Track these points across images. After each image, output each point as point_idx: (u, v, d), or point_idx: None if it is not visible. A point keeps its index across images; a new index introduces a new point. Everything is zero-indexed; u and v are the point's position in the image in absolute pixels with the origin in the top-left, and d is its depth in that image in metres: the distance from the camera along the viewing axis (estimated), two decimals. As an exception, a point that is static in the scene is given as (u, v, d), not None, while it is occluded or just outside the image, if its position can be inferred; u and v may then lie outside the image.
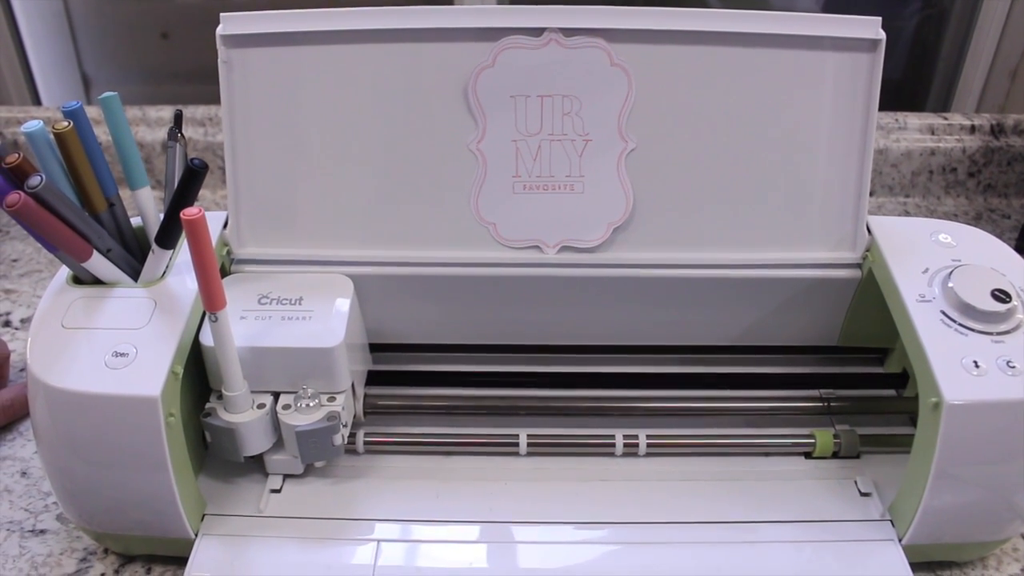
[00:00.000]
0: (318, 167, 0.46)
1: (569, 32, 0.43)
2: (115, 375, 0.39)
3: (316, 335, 0.42)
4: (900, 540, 0.42)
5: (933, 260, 0.45)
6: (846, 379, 0.51)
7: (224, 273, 0.46)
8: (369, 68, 0.44)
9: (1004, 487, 0.41)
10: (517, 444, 0.47)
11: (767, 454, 0.48)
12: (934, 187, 0.78)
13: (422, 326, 0.50)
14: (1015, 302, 0.42)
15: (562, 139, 0.45)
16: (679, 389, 0.50)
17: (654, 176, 0.45)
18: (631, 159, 0.45)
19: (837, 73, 0.44)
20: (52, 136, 0.41)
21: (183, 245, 0.45)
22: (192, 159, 0.40)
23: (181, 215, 0.36)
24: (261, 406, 0.43)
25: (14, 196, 0.37)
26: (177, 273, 0.44)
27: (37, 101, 0.96)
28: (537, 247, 0.46)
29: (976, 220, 0.76)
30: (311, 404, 0.43)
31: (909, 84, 0.96)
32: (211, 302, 0.39)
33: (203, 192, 0.41)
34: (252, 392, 0.43)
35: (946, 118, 0.78)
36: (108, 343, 0.40)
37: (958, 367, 0.40)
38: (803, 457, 0.48)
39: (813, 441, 0.47)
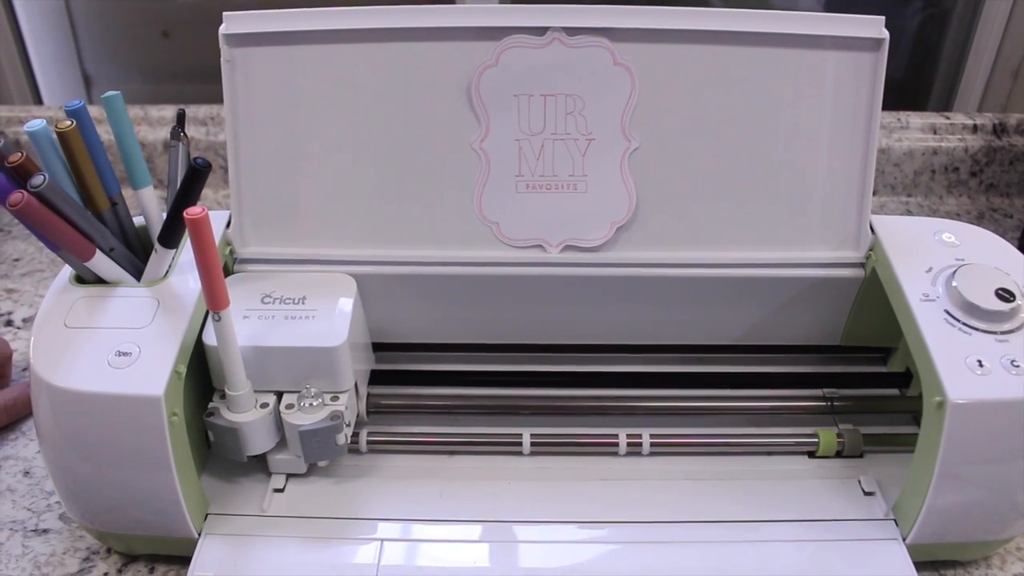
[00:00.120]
0: (321, 166, 0.46)
1: (572, 31, 0.43)
2: (118, 374, 0.39)
3: (319, 334, 0.42)
4: (904, 539, 0.42)
5: (937, 259, 0.45)
6: (849, 378, 0.51)
7: (227, 272, 0.46)
8: (372, 67, 0.44)
9: (1008, 486, 0.41)
10: (520, 444, 0.47)
11: (770, 453, 0.48)
12: (936, 186, 0.78)
13: (425, 325, 0.50)
14: (1019, 301, 0.42)
15: (565, 138, 0.45)
16: (683, 388, 0.50)
17: (657, 175, 0.45)
18: (634, 158, 0.45)
19: (841, 72, 0.44)
20: (55, 135, 0.41)
21: (186, 244, 0.45)
22: (195, 158, 0.40)
23: (184, 214, 0.36)
24: (264, 405, 0.43)
25: (17, 195, 0.37)
26: (180, 272, 0.44)
27: (38, 100, 0.96)
28: (540, 246, 0.46)
29: (978, 219, 0.76)
30: (314, 403, 0.43)
31: (911, 83, 0.96)
32: (214, 301, 0.39)
33: (205, 191, 0.41)
34: (255, 391, 0.42)
35: (948, 117, 0.78)
36: (111, 342, 0.40)
37: (962, 366, 0.40)
38: (807, 456, 0.48)
39: (816, 440, 0.47)
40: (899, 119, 0.77)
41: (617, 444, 0.47)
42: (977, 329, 0.41)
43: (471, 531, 0.43)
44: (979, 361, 0.40)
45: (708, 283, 0.47)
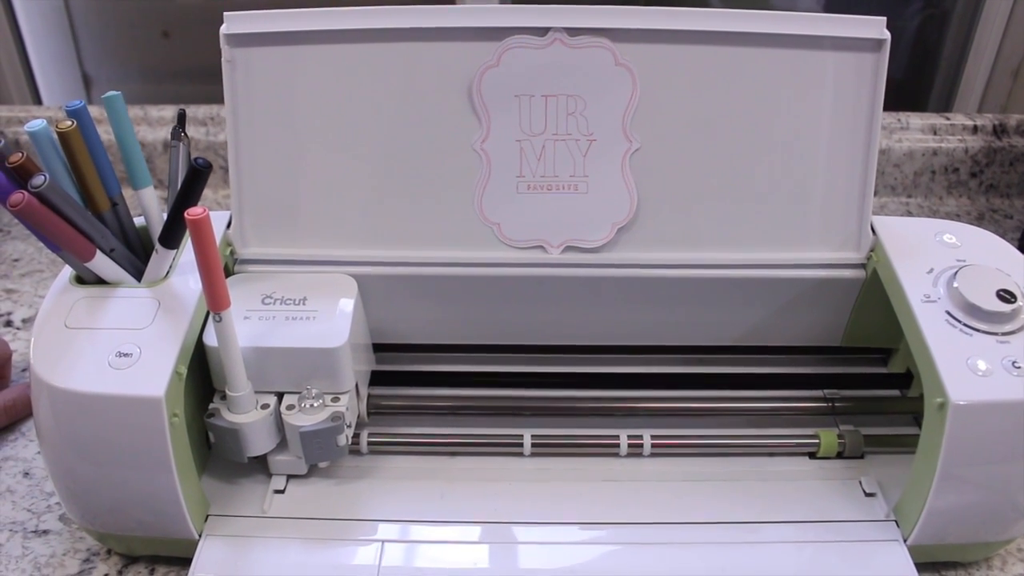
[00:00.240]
0: (322, 167, 0.45)
1: (574, 32, 0.43)
2: (119, 375, 0.39)
3: (320, 335, 0.42)
4: (905, 540, 0.42)
5: (938, 260, 0.45)
6: (850, 379, 0.51)
7: (228, 273, 0.46)
8: (373, 68, 0.44)
9: (1009, 487, 0.41)
10: (521, 445, 0.47)
11: (771, 454, 0.48)
12: (936, 187, 0.78)
13: (426, 326, 0.50)
14: (1020, 302, 0.42)
15: (566, 139, 0.45)
16: (683, 389, 0.50)
17: (659, 176, 0.45)
18: (635, 159, 0.45)
19: (842, 73, 0.44)
20: (56, 135, 0.41)
21: (187, 245, 0.45)
22: (196, 158, 0.40)
23: (185, 215, 0.36)
24: (265, 406, 0.42)
25: (18, 196, 0.37)
26: (181, 273, 0.44)
27: (38, 100, 0.96)
28: (541, 247, 0.46)
29: (978, 220, 0.76)
30: (315, 404, 0.43)
31: (911, 84, 0.96)
32: (215, 302, 0.39)
33: (205, 192, 0.41)
34: (256, 392, 0.42)
35: (948, 118, 0.78)
36: (112, 343, 0.40)
37: (963, 367, 0.40)
38: (807, 457, 0.48)
39: (817, 441, 0.47)
40: (899, 120, 0.77)
41: (618, 445, 0.47)
42: (978, 330, 0.41)
43: (472, 532, 0.43)
44: (980, 362, 0.40)
45: (709, 284, 0.47)
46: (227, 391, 0.42)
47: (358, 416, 0.46)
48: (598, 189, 0.45)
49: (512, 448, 0.47)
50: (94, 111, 0.43)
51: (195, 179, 0.40)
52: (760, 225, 0.46)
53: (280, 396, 0.43)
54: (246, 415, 0.42)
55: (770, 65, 0.44)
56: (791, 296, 0.48)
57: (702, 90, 0.44)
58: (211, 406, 0.43)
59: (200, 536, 0.42)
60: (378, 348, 0.50)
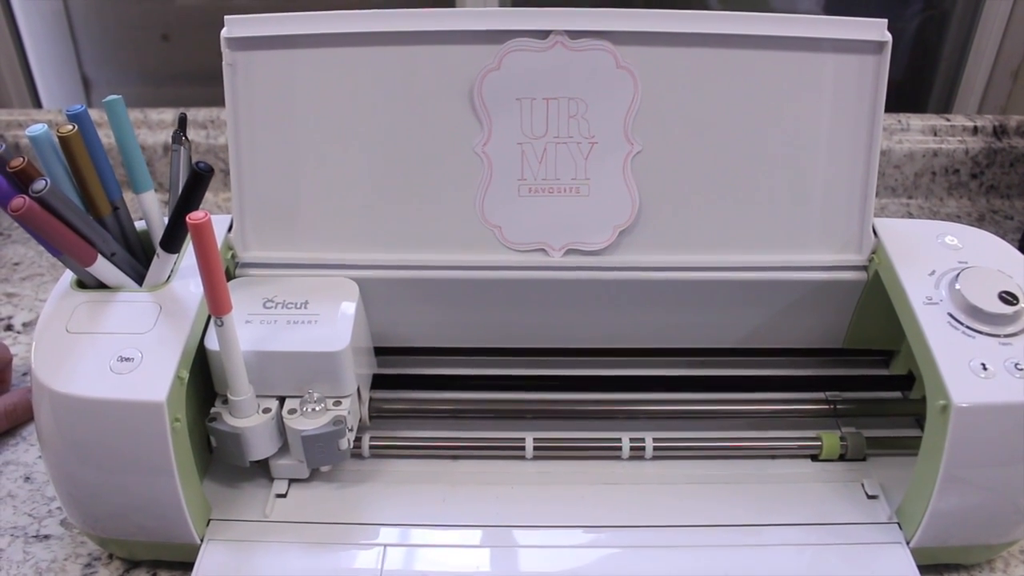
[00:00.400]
0: (323, 170, 0.45)
1: (575, 35, 0.43)
2: (120, 380, 0.39)
3: (322, 339, 0.42)
4: (908, 543, 0.42)
5: (939, 262, 0.45)
6: (852, 381, 0.51)
7: (229, 277, 0.46)
8: (375, 71, 0.44)
9: (1012, 490, 0.41)
10: (523, 448, 0.47)
11: (773, 457, 0.48)
12: (937, 188, 0.78)
13: (428, 329, 0.50)
14: (1022, 304, 0.42)
15: (568, 142, 0.45)
16: (685, 392, 0.50)
17: (660, 179, 0.45)
18: (637, 162, 0.45)
19: (843, 75, 0.44)
20: (56, 140, 0.40)
21: (188, 249, 0.44)
22: (197, 162, 0.40)
23: (187, 219, 0.36)
24: (267, 411, 0.42)
25: (19, 200, 0.37)
26: (182, 277, 0.44)
27: (37, 103, 0.96)
28: (543, 250, 0.46)
29: (979, 221, 0.76)
30: (317, 408, 0.42)
31: (911, 85, 0.96)
32: (216, 306, 0.38)
33: (205, 195, 0.41)
34: (258, 396, 0.42)
35: (948, 119, 0.78)
36: (113, 348, 0.40)
37: (966, 370, 0.40)
38: (810, 459, 0.48)
39: (819, 443, 0.47)
40: (899, 121, 0.77)
41: (620, 448, 0.47)
42: (981, 332, 0.41)
43: (474, 536, 0.43)
44: (983, 364, 0.40)
45: (711, 287, 0.47)
46: (229, 395, 0.42)
47: (360, 420, 0.46)
48: (599, 192, 0.45)
49: (514, 451, 0.47)
50: (94, 114, 0.43)
51: (196, 183, 0.40)
52: (762, 227, 0.46)
53: (282, 400, 0.43)
54: (248, 419, 0.42)
55: (772, 68, 0.44)
56: (793, 298, 0.48)
57: (704, 93, 0.44)
58: (213, 410, 0.43)
59: (202, 541, 0.42)
60: (380, 351, 0.50)
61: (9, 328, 0.61)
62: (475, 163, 0.45)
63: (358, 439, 0.46)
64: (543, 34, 0.43)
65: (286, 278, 0.46)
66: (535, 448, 0.47)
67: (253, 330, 0.42)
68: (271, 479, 0.45)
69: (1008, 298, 0.42)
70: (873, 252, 0.47)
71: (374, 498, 0.45)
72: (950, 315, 0.42)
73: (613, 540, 0.43)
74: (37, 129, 0.40)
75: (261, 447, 0.43)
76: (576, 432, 0.48)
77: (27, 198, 0.37)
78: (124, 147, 0.44)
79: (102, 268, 0.42)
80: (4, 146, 0.40)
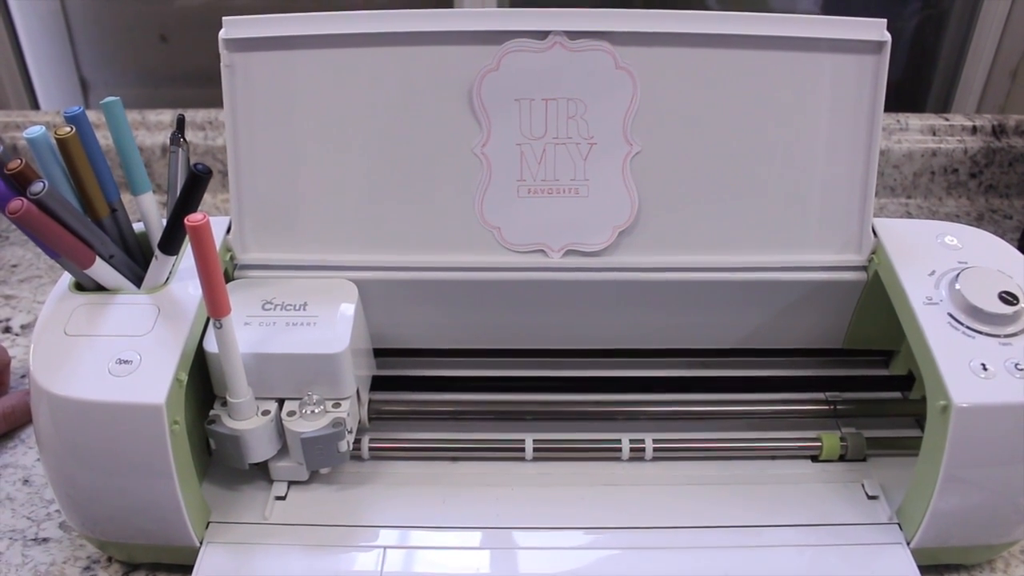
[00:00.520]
0: (322, 171, 0.45)
1: (573, 35, 0.43)
2: (119, 383, 0.38)
3: (321, 341, 0.42)
4: (908, 543, 0.42)
5: (939, 262, 0.45)
6: (852, 382, 0.51)
7: (227, 279, 0.45)
8: (373, 72, 0.44)
9: (1013, 490, 0.41)
10: (523, 449, 0.47)
11: (773, 457, 0.48)
12: (936, 188, 0.78)
13: (427, 331, 0.49)
14: (1022, 304, 0.42)
15: (567, 143, 0.45)
16: (685, 393, 0.50)
17: (659, 179, 0.45)
18: (636, 162, 0.45)
19: (843, 75, 0.44)
20: (54, 141, 0.40)
21: (186, 251, 0.44)
22: (195, 164, 0.40)
23: (185, 221, 0.35)
24: (266, 413, 0.42)
25: (16, 203, 0.37)
26: (180, 279, 0.43)
27: (35, 105, 0.96)
28: (542, 251, 0.46)
29: (978, 221, 0.76)
30: (316, 410, 0.42)
31: (909, 85, 0.96)
32: (215, 308, 0.38)
33: (204, 196, 0.41)
34: (257, 399, 0.42)
35: (947, 119, 0.78)
36: (111, 350, 0.40)
37: (966, 370, 0.40)
38: (810, 460, 0.48)
39: (819, 444, 0.47)
40: (898, 121, 0.77)
41: (620, 449, 0.47)
42: (981, 332, 0.41)
43: (474, 538, 0.43)
44: (983, 365, 0.40)
45: (710, 287, 0.47)
46: (228, 398, 0.42)
47: (359, 422, 0.46)
48: (599, 193, 0.45)
49: (514, 452, 0.47)
50: (92, 116, 0.42)
51: (195, 185, 0.40)
52: (761, 228, 0.46)
53: (281, 402, 0.43)
54: (247, 422, 0.42)
55: (771, 68, 0.44)
56: (792, 299, 0.48)
57: (703, 93, 0.44)
58: (212, 413, 0.43)
59: (201, 543, 0.42)
60: (379, 353, 0.50)
61: (7, 330, 0.61)
62: (474, 164, 0.45)
63: (357, 441, 0.46)
64: (542, 35, 0.43)
65: (285, 280, 0.46)
66: (535, 449, 0.47)
67: (252, 332, 0.42)
68: (270, 481, 0.45)
69: (1008, 298, 0.42)
70: (873, 252, 0.46)
71: (374, 500, 0.45)
72: (950, 315, 0.42)
73: (613, 541, 0.43)
74: (35, 131, 0.40)
75: (260, 449, 0.43)
76: (576, 433, 0.48)
77: (25, 200, 0.37)
78: (122, 149, 0.44)
79: (100, 270, 0.42)
80: (2, 148, 0.39)
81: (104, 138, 0.43)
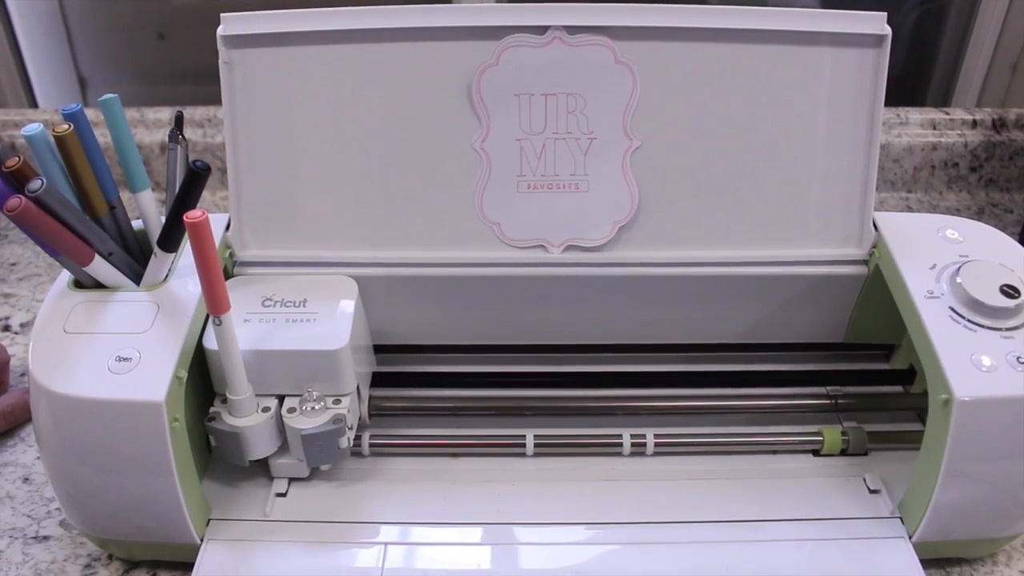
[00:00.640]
0: (321, 168, 0.45)
1: (573, 30, 0.43)
2: (119, 380, 0.38)
3: (321, 337, 0.42)
4: (910, 537, 0.42)
5: (940, 256, 0.45)
6: (853, 376, 0.51)
7: (227, 276, 0.45)
8: (372, 68, 0.44)
9: (1014, 483, 0.41)
10: (524, 445, 0.47)
11: (775, 452, 0.48)
12: (936, 182, 0.78)
13: (427, 327, 0.49)
14: (1024, 298, 0.42)
15: (566, 137, 0.45)
16: (686, 388, 0.50)
17: (660, 174, 0.45)
18: (636, 157, 0.45)
19: (843, 69, 0.44)
20: (52, 139, 0.40)
21: (185, 248, 0.44)
22: (194, 161, 0.40)
23: (184, 218, 0.35)
24: (266, 409, 0.42)
25: (15, 200, 0.37)
26: (180, 276, 0.43)
27: (33, 103, 0.95)
28: (542, 246, 0.46)
29: (978, 215, 0.75)
30: (316, 407, 0.42)
31: (909, 79, 0.96)
32: (215, 305, 0.38)
33: (203, 193, 0.40)
34: (257, 395, 0.42)
35: (947, 113, 0.78)
36: (111, 348, 0.40)
37: (968, 363, 0.40)
38: (811, 455, 0.47)
39: (821, 438, 0.47)
40: (898, 115, 0.77)
41: (621, 444, 0.47)
42: (982, 326, 0.41)
43: (475, 533, 0.43)
44: (985, 358, 0.40)
45: (711, 282, 0.46)
46: (228, 395, 0.41)
47: (360, 418, 0.46)
48: (599, 188, 0.45)
49: (514, 448, 0.47)
50: (90, 113, 0.42)
51: (193, 182, 0.40)
52: (762, 222, 0.46)
53: (281, 399, 0.43)
54: (247, 418, 0.42)
55: (771, 62, 0.44)
56: (793, 293, 0.47)
57: (703, 87, 0.44)
58: (212, 410, 0.43)
59: (202, 540, 0.42)
60: (379, 349, 0.50)
61: (7, 329, 0.61)
62: (474, 159, 0.45)
63: (358, 437, 0.46)
64: (541, 29, 0.43)
65: (284, 276, 0.46)
66: (536, 445, 0.47)
67: (252, 329, 0.42)
68: (271, 478, 0.45)
69: (1009, 291, 0.42)
70: (874, 246, 0.46)
71: (374, 496, 0.45)
72: (951, 309, 0.42)
73: (614, 536, 0.43)
74: (33, 129, 0.40)
75: (260, 446, 0.43)
76: (577, 428, 0.48)
77: (23, 198, 0.37)
78: (121, 146, 0.43)
79: (99, 268, 0.42)
80: (0, 146, 0.39)
81: (102, 136, 0.43)
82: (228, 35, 0.43)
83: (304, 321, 0.43)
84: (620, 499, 0.45)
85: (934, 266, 0.44)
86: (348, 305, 0.44)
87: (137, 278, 0.44)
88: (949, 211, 0.76)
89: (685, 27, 0.43)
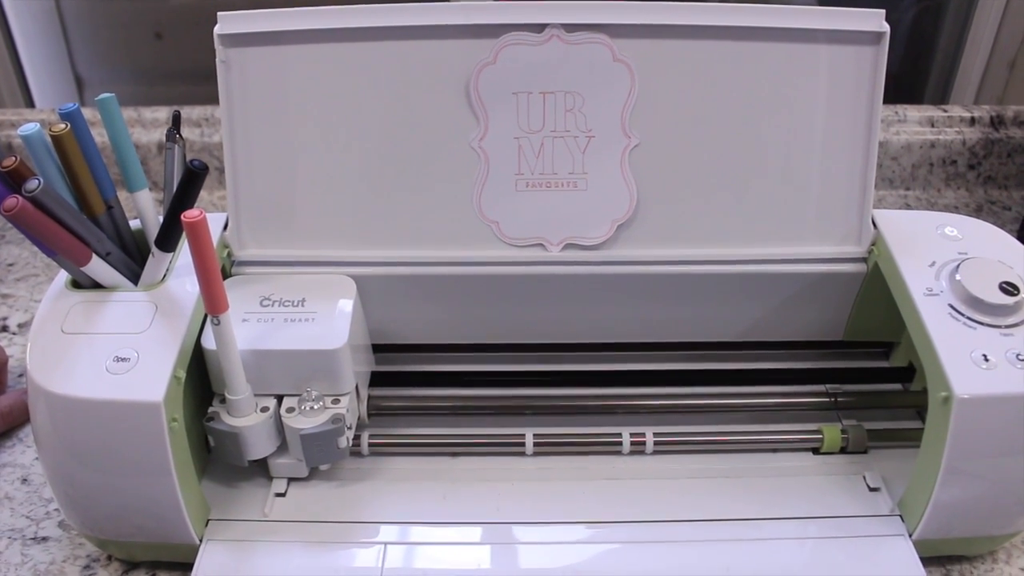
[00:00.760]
0: (319, 167, 0.45)
1: (571, 28, 0.43)
2: (117, 380, 0.38)
3: (319, 337, 0.42)
4: (910, 535, 0.42)
5: (939, 253, 0.45)
6: (852, 374, 0.51)
7: (225, 275, 0.45)
8: (369, 66, 0.43)
9: (1014, 480, 0.41)
10: (523, 444, 0.47)
11: (775, 450, 0.48)
12: (934, 179, 0.78)
13: (426, 326, 0.49)
14: (1023, 295, 0.42)
15: (565, 136, 0.45)
16: (685, 386, 0.50)
17: (658, 172, 0.45)
18: (634, 155, 0.45)
19: (841, 67, 0.44)
20: (49, 139, 0.40)
21: (183, 247, 0.44)
22: (192, 160, 0.40)
23: (182, 217, 0.35)
24: (265, 409, 0.42)
25: (12, 200, 0.37)
26: (177, 276, 0.43)
27: (30, 103, 0.95)
28: (541, 245, 0.46)
29: (977, 212, 0.75)
30: (315, 407, 0.42)
31: (907, 76, 0.96)
32: (213, 305, 0.38)
33: (200, 193, 0.40)
34: (255, 395, 0.42)
35: (946, 110, 0.78)
36: (109, 348, 0.39)
37: (967, 361, 0.40)
38: (811, 453, 0.47)
39: (821, 437, 0.47)
40: (896, 112, 0.77)
41: (620, 443, 0.47)
42: (982, 323, 0.41)
43: (475, 533, 0.43)
44: (984, 355, 0.40)
45: (710, 280, 0.46)
46: (226, 394, 0.41)
47: (359, 418, 0.46)
48: (597, 186, 0.45)
49: (514, 448, 0.47)
50: (87, 113, 0.42)
51: (191, 181, 0.40)
52: (761, 220, 0.46)
53: (280, 399, 0.43)
54: (246, 418, 0.42)
55: (769, 59, 0.44)
56: (792, 291, 0.47)
57: (702, 85, 0.44)
58: (210, 410, 0.42)
59: (201, 541, 0.42)
60: (378, 349, 0.50)
61: (4, 329, 0.61)
62: (472, 158, 0.45)
63: (357, 437, 0.46)
64: (539, 27, 0.43)
65: (283, 276, 0.45)
66: (535, 444, 0.47)
67: (250, 328, 0.42)
68: (270, 478, 0.45)
69: (1009, 288, 0.42)
70: (873, 244, 0.46)
71: (374, 496, 0.45)
72: (951, 306, 0.42)
73: (614, 535, 0.43)
74: (30, 128, 0.40)
75: (259, 446, 0.42)
76: (576, 428, 0.48)
77: (20, 198, 0.37)
78: (118, 146, 0.43)
79: (97, 268, 0.42)
80: (-4, 146, 0.39)
81: (100, 135, 0.43)
82: (225, 34, 0.43)
83: (302, 320, 0.43)
84: (620, 498, 0.45)
85: (933, 263, 0.44)
86: (346, 304, 0.44)
87: (135, 278, 0.44)
88: (947, 208, 0.76)
89: (683, 25, 0.43)
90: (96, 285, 0.43)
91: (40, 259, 0.68)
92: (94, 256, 0.41)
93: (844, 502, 0.44)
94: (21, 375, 0.56)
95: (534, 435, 0.47)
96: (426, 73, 0.44)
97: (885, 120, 0.77)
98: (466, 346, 0.51)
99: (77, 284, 0.43)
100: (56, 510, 0.47)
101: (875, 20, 0.43)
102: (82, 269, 0.41)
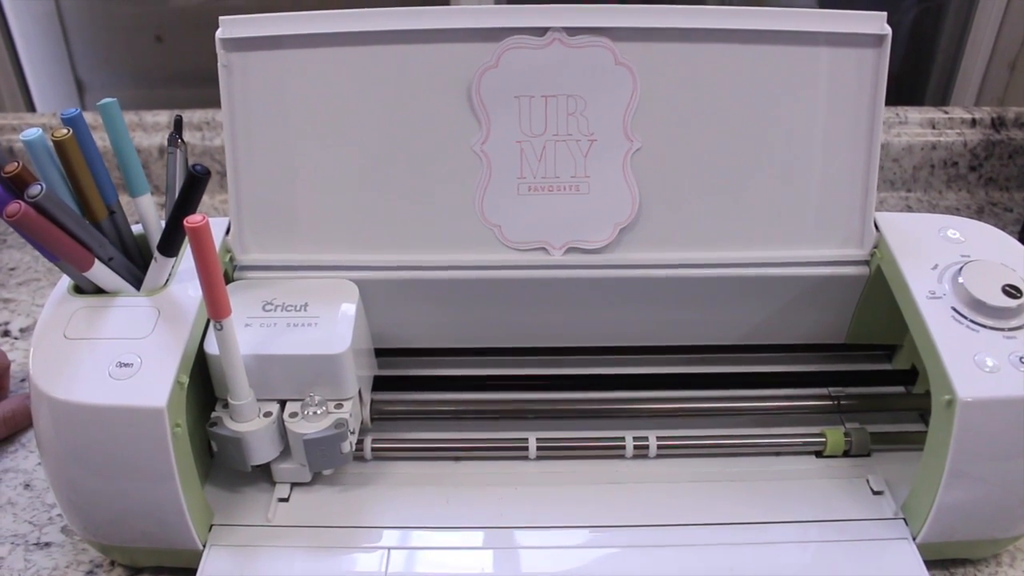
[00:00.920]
0: (321, 171, 0.45)
1: (573, 31, 0.43)
2: (120, 386, 0.38)
3: (322, 342, 0.42)
4: (914, 538, 0.42)
5: (942, 256, 0.45)
6: (855, 377, 0.51)
7: (227, 280, 0.45)
8: (372, 70, 0.43)
9: (1018, 483, 0.41)
10: (526, 448, 0.47)
11: (778, 454, 0.48)
12: (936, 181, 0.78)
13: (428, 330, 0.49)
14: (1026, 297, 0.42)
15: (567, 139, 0.45)
16: (688, 390, 0.50)
17: (660, 176, 0.45)
18: (637, 159, 0.45)
19: (843, 70, 0.44)
20: (51, 144, 0.40)
21: (185, 252, 0.44)
22: (194, 165, 0.40)
23: (185, 222, 0.35)
24: (268, 414, 0.42)
25: (14, 206, 0.37)
26: (180, 281, 0.43)
27: (31, 107, 0.95)
28: (543, 249, 0.46)
29: (978, 214, 0.75)
30: (318, 412, 0.42)
31: (908, 78, 0.96)
32: (216, 310, 0.38)
33: (202, 197, 0.40)
34: (258, 400, 0.42)
35: (947, 112, 0.78)
36: (112, 353, 0.39)
37: (971, 364, 0.40)
38: (814, 456, 0.47)
39: (824, 440, 0.47)
40: (897, 114, 0.77)
41: (624, 447, 0.47)
42: (985, 326, 0.41)
43: (478, 538, 0.43)
44: (987, 359, 0.40)
45: (712, 283, 0.46)
46: (229, 400, 0.41)
47: (362, 422, 0.46)
48: (599, 189, 0.45)
49: (517, 452, 0.47)
50: (88, 117, 0.42)
51: (193, 186, 0.40)
52: (763, 223, 0.46)
53: (283, 404, 0.43)
54: (249, 424, 0.42)
55: (771, 62, 0.44)
56: (795, 294, 0.47)
57: (704, 88, 0.44)
58: (213, 415, 0.42)
59: (204, 546, 0.42)
60: (380, 353, 0.50)
61: (6, 334, 0.61)
62: (474, 162, 0.45)
63: (360, 442, 0.46)
64: (541, 31, 0.43)
65: (285, 280, 0.45)
66: (538, 448, 0.47)
67: (253, 333, 0.42)
68: (273, 483, 0.45)
69: (1012, 291, 0.42)
70: (875, 246, 0.46)
71: (377, 501, 0.45)
72: (954, 309, 0.42)
73: (617, 540, 0.43)
74: (32, 133, 0.40)
75: (262, 451, 0.42)
76: (579, 432, 0.48)
77: (22, 203, 0.37)
78: (120, 150, 0.43)
79: (99, 273, 0.42)
80: (-1, 151, 0.39)
81: (101, 140, 0.42)
82: (227, 38, 0.43)
83: (305, 325, 0.43)
84: (623, 502, 0.45)
85: (936, 266, 0.44)
86: (349, 309, 0.44)
87: (137, 283, 0.43)
88: (949, 210, 0.76)
89: (685, 28, 0.43)
90: (98, 290, 0.43)
91: (42, 263, 0.68)
92: (96, 261, 0.41)
93: (847, 505, 0.44)
94: (23, 380, 0.56)
95: (537, 439, 0.47)
96: (428, 77, 0.44)
97: (886, 122, 0.76)
98: (469, 350, 0.51)
99: (79, 289, 0.43)
100: (59, 515, 0.47)
101: (877, 23, 0.43)
102: (84, 274, 0.41)
